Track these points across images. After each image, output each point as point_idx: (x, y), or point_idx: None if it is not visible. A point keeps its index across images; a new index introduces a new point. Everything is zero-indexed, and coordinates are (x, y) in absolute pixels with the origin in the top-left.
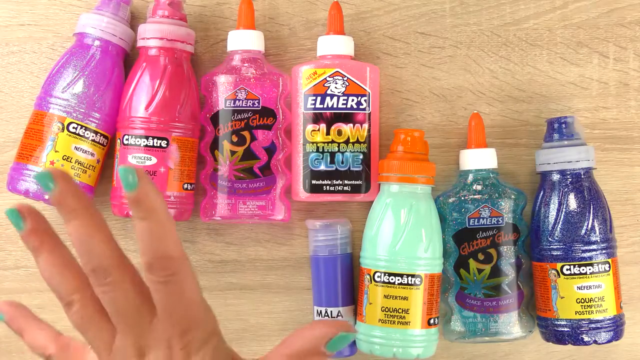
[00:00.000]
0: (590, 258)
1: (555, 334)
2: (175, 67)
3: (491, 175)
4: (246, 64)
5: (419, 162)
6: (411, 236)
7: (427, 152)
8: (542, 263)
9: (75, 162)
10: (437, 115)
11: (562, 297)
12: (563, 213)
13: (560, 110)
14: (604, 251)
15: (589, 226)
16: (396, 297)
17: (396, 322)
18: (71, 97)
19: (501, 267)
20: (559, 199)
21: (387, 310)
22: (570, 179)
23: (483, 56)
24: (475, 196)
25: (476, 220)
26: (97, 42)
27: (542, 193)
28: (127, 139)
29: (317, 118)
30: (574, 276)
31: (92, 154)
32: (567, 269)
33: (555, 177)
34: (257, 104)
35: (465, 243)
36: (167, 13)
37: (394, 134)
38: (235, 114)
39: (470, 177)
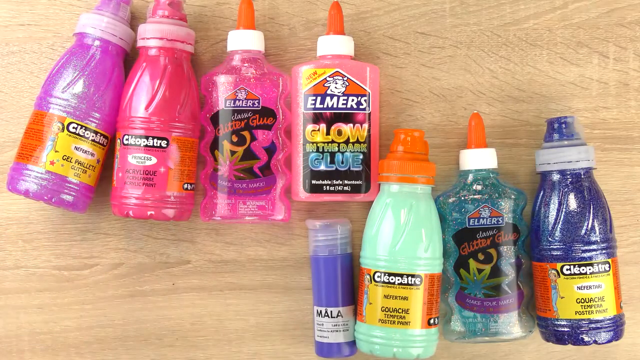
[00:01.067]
0: (590, 258)
1: (555, 334)
2: (175, 67)
3: (491, 175)
4: (246, 64)
5: (418, 162)
6: (411, 236)
7: (427, 152)
8: (542, 263)
9: (75, 162)
10: (437, 115)
11: (562, 297)
12: (563, 213)
13: (560, 110)
14: (604, 251)
15: (589, 226)
16: (396, 297)
17: (396, 322)
18: (71, 97)
19: (501, 267)
20: (559, 199)
21: (387, 310)
22: (570, 179)
23: (483, 56)
24: (475, 196)
25: (476, 220)
26: (97, 42)
27: (542, 193)
28: (127, 139)
29: (317, 118)
30: (574, 276)
31: (92, 154)
32: (567, 269)
33: (555, 177)
34: (257, 104)
35: (465, 243)
36: (167, 13)
37: (394, 134)
38: (236, 114)
39: (470, 177)
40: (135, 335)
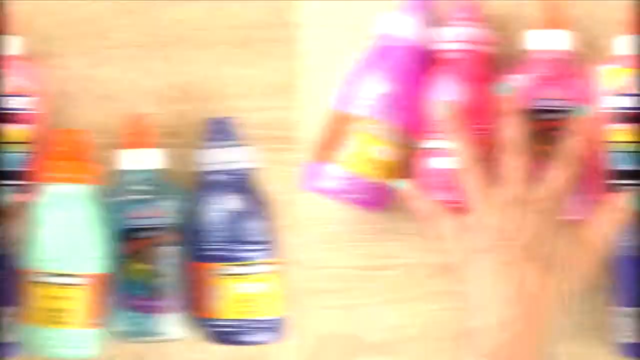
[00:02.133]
0: (251, 258)
1: (217, 334)
2: (475, 68)
3: (154, 176)
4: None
5: (79, 162)
6: (73, 237)
7: (89, 152)
8: (203, 263)
9: (374, 161)
10: (99, 115)
11: (222, 298)
12: (224, 213)
13: (223, 110)
14: (264, 252)
15: (250, 227)
16: (58, 298)
17: (58, 322)
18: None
19: (162, 268)
20: (220, 200)
21: (48, 310)
22: (231, 180)
23: (145, 56)
24: (138, 196)
25: (138, 220)
26: (400, 44)
27: (203, 193)
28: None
29: None
30: (234, 276)
31: (389, 154)
32: (227, 270)
33: (216, 177)
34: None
35: (128, 243)
36: (466, 16)
37: (54, 135)
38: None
39: (132, 178)
40: None
